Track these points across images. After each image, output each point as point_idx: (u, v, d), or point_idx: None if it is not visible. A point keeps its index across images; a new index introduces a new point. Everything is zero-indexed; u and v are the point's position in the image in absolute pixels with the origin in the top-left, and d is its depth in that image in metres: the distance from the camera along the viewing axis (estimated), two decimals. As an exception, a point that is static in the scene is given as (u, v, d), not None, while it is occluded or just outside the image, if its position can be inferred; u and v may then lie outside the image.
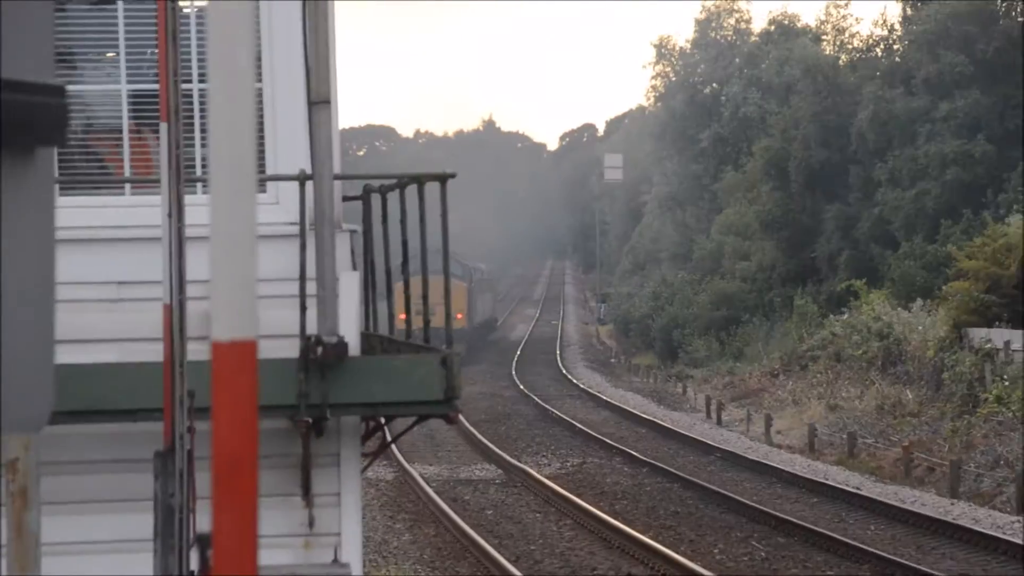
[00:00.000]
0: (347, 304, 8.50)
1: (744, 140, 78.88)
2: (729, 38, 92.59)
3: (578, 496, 28.25)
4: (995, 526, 24.17)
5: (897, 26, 65.01)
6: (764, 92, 79.30)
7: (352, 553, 8.72)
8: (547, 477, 31.48)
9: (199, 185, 8.86)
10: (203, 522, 5.41)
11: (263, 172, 8.85)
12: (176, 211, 6.41)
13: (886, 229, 57.04)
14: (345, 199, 9.65)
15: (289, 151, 8.87)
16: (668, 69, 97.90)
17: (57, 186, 8.53)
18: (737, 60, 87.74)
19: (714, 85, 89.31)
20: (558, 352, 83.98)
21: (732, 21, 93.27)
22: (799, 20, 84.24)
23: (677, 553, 21.91)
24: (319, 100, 8.27)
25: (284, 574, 8.34)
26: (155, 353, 6.87)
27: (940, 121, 55.29)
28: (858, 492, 28.35)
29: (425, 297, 8.86)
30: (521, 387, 59.34)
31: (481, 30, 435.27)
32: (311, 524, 8.71)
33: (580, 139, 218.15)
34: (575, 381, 63.47)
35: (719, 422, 45.18)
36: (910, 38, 60.92)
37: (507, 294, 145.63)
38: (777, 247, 67.34)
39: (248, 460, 2.58)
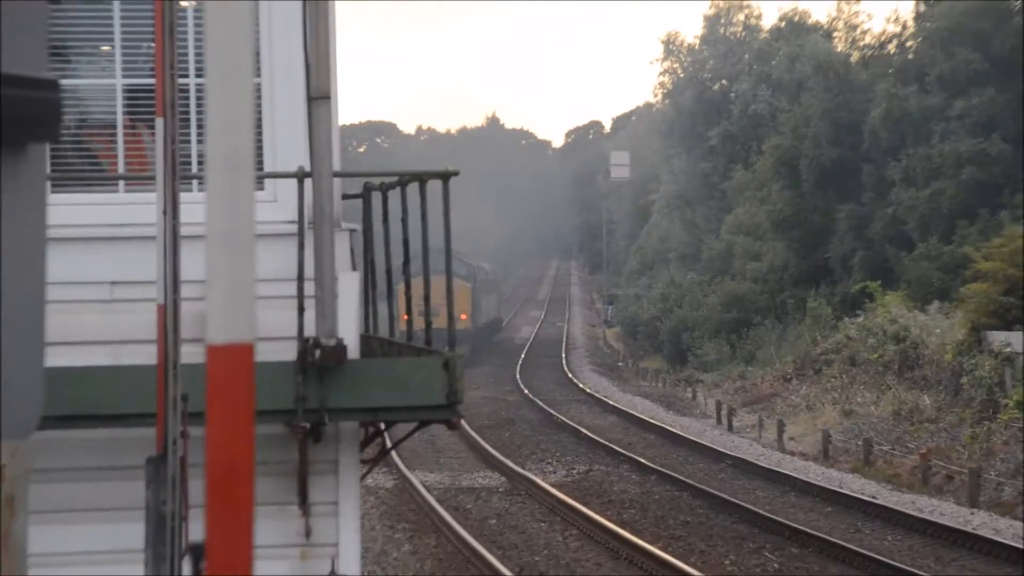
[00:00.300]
0: (346, 305, 8.50)
1: (754, 138, 78.73)
2: (739, 34, 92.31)
3: (584, 505, 28.19)
4: (1017, 536, 24.07)
5: (910, 22, 64.77)
6: (774, 89, 79.11)
7: (350, 564, 8.69)
8: (552, 485, 31.31)
9: (195, 182, 8.90)
10: (196, 531, 5.77)
11: (261, 169, 8.93)
12: (171, 209, 6.45)
13: (901, 229, 56.59)
14: (345, 197, 9.72)
15: (288, 148, 8.92)
16: (676, 65, 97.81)
17: (49, 183, 8.51)
18: (747, 56, 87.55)
19: (723, 82, 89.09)
20: (564, 355, 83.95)
21: (742, 17, 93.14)
22: (810, 16, 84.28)
23: (687, 565, 21.83)
24: (319, 96, 8.27)
25: (280, 585, 8.32)
26: (148, 355, 6.83)
27: (955, 119, 54.89)
28: (874, 501, 28.20)
29: (427, 298, 8.88)
30: (526, 391, 59.04)
31: (485, 28, 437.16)
32: (308, 534, 8.64)
33: (586, 136, 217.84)
34: (581, 385, 63.25)
35: (730, 428, 45.16)
36: (923, 35, 60.56)
37: (511, 295, 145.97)
38: (789, 247, 66.77)
39: (244, 467, 2.60)
